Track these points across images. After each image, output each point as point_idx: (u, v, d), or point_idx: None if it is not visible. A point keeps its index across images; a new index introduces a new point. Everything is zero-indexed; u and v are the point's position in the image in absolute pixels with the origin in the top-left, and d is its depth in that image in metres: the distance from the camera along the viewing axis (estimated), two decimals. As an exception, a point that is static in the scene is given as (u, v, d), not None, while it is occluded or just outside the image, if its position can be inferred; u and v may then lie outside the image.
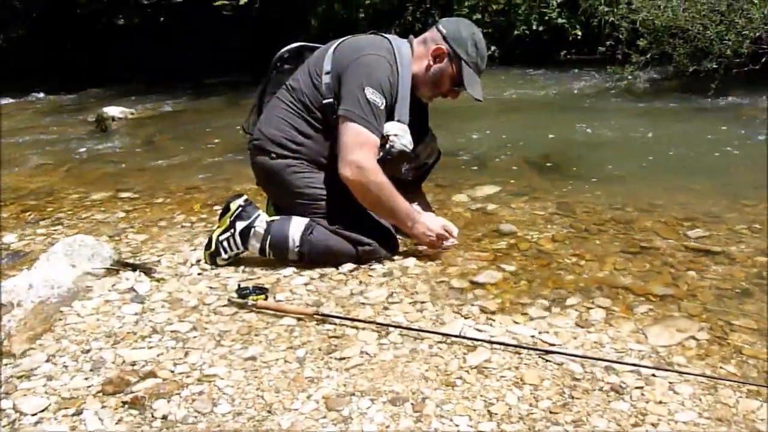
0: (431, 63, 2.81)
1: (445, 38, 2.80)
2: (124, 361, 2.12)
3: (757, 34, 6.61)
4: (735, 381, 1.90)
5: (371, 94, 2.65)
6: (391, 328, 2.23)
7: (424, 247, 2.87)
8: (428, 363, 2.03)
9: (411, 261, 2.80)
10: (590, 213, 3.35)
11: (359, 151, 2.65)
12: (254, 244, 2.79)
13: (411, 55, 2.81)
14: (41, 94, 11.10)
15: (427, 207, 3.12)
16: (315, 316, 2.32)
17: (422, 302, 2.44)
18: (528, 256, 2.85)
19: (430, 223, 2.83)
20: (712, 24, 6.86)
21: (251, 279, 2.71)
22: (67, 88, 11.20)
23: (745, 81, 6.75)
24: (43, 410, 1.89)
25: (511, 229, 3.15)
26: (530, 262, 2.79)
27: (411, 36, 2.92)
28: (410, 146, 2.72)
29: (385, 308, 2.41)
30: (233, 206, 2.83)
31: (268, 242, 2.77)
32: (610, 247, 2.90)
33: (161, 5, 11.20)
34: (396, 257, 2.84)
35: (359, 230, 2.77)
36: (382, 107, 2.67)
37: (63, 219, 3.79)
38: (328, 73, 2.75)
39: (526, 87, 8.17)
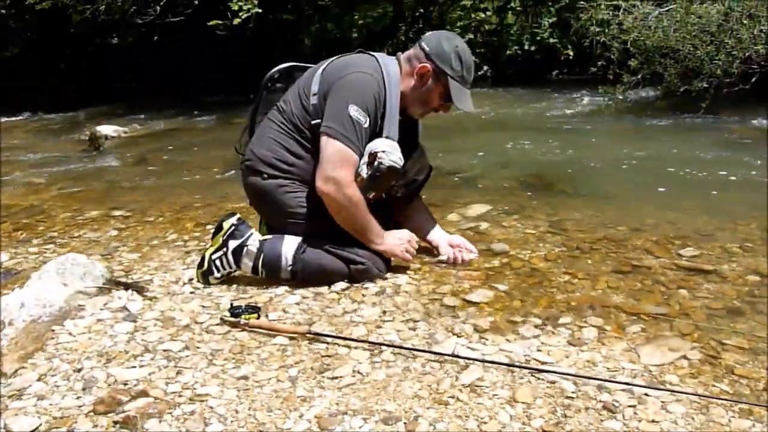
0: (417, 82, 2.82)
1: (428, 56, 2.79)
2: (115, 381, 2.11)
3: (747, 54, 6.68)
4: (727, 400, 1.90)
5: (355, 111, 2.66)
6: (383, 347, 2.23)
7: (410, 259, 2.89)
8: (421, 382, 2.03)
9: (403, 279, 2.81)
10: (582, 232, 3.37)
11: (338, 167, 2.66)
12: (247, 263, 2.79)
13: (399, 72, 2.82)
14: (34, 113, 11.11)
15: (430, 221, 3.14)
16: (307, 335, 2.31)
17: (415, 321, 2.44)
18: (520, 274, 2.86)
19: (398, 233, 2.87)
20: (703, 44, 6.94)
21: (244, 298, 2.70)
22: (60, 107, 11.22)
23: (735, 100, 6.82)
24: (34, 430, 1.88)
25: (504, 248, 3.16)
26: (523, 280, 2.79)
27: (399, 53, 2.92)
28: (400, 162, 2.72)
29: (378, 327, 2.41)
30: (226, 225, 2.83)
31: (260, 261, 2.77)
32: (602, 265, 2.91)
33: (155, 24, 11.24)
34: (388, 275, 2.84)
35: (352, 249, 2.77)
36: (366, 125, 2.68)
37: (55, 237, 3.78)
38: (315, 94, 2.76)
39: (518, 106, 8.22)
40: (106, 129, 7.74)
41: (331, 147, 2.67)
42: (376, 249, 2.81)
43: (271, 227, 2.94)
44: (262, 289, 2.77)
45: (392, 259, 2.89)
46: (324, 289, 2.74)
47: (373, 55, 2.84)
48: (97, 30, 12.38)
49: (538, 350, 2.20)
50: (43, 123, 10.20)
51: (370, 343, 2.26)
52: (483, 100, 8.47)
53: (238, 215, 2.88)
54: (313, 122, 2.75)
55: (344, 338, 2.30)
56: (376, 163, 2.69)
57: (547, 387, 1.98)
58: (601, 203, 3.91)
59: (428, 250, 3.10)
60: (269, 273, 2.79)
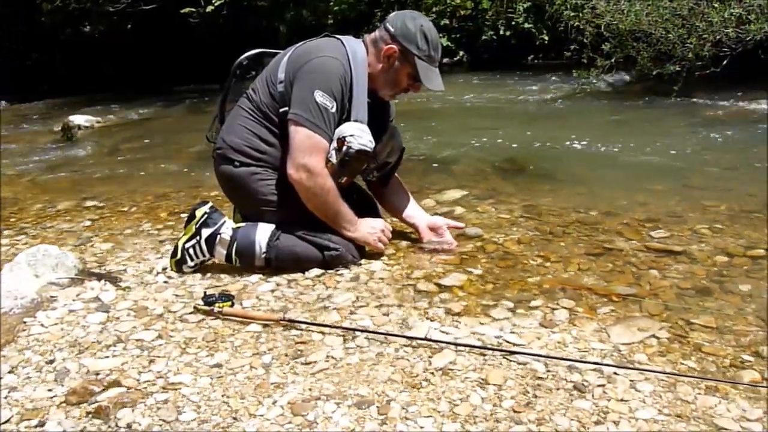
0: (385, 64, 2.81)
1: (393, 37, 2.78)
2: (88, 371, 2.11)
3: (718, 37, 6.74)
4: (694, 377, 1.93)
5: (321, 97, 2.66)
6: (357, 333, 2.24)
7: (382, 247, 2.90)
8: (394, 366, 2.04)
9: (378, 265, 2.82)
10: (555, 215, 3.40)
11: (308, 155, 2.66)
12: (220, 251, 2.79)
13: (366, 54, 2.81)
14: (4, 103, 10.96)
15: (408, 200, 3.15)
16: (281, 322, 2.32)
17: (388, 306, 2.46)
18: (494, 258, 2.88)
19: (371, 221, 2.88)
20: (674, 27, 6.98)
21: (217, 286, 2.71)
22: (31, 97, 11.08)
23: (707, 83, 6.88)
24: (5, 422, 1.87)
25: (478, 232, 3.18)
26: (496, 264, 2.82)
27: (364, 35, 2.90)
28: (370, 145, 2.72)
29: (352, 313, 2.42)
30: (199, 213, 2.82)
31: (234, 249, 2.77)
32: (575, 248, 2.94)
33: (128, 13, 11.12)
34: (362, 261, 2.85)
35: (325, 235, 2.78)
36: (333, 110, 2.68)
37: (27, 228, 3.75)
38: (281, 81, 2.74)
39: (493, 91, 8.24)
40: (79, 119, 7.66)
41: (299, 134, 2.67)
42: (348, 237, 2.82)
43: (245, 215, 2.94)
44: (235, 277, 2.77)
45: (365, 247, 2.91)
46: (298, 275, 2.74)
47: (338, 39, 2.83)
48: (68, 19, 12.23)
49: (511, 332, 2.22)
50: (14, 113, 10.07)
51: (343, 328, 2.27)
52: (458, 85, 8.48)
53: (210, 203, 2.87)
54: (281, 110, 2.74)
55: (318, 324, 2.30)
56: (345, 147, 2.68)
57: (519, 369, 2.00)
58: (574, 187, 3.95)
59: (404, 235, 3.12)
60: (243, 261, 2.79)
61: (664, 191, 3.77)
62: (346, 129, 2.70)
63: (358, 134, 2.69)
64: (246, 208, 2.94)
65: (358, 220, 2.84)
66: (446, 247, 3.01)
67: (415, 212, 3.13)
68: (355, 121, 2.73)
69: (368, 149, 2.71)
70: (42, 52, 13.66)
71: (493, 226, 3.27)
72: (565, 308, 2.38)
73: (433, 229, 3.06)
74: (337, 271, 2.77)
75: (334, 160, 2.70)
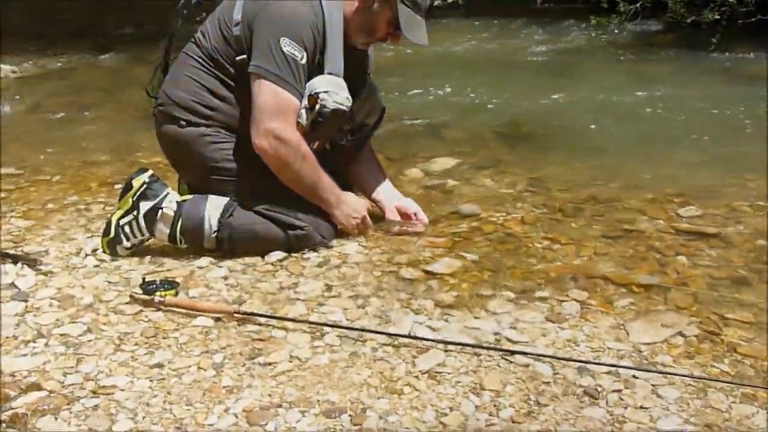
0: (361, 4, 2.80)
1: None
2: (1, 372, 2.10)
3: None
4: (728, 382, 1.96)
5: (288, 46, 2.64)
6: (327, 328, 2.25)
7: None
8: (371, 368, 2.06)
9: (352, 247, 2.83)
10: (566, 190, 3.43)
11: (275, 116, 2.66)
12: (162, 229, 2.78)
13: None
14: None
15: (379, 175, 3.16)
16: (236, 314, 2.32)
17: (365, 297, 2.47)
18: (492, 240, 2.90)
19: (356, 203, 2.89)
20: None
21: (159, 271, 2.70)
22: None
23: (751, 33, 6.88)
24: None
25: (473, 209, 3.20)
26: (495, 247, 2.84)
27: None
28: (347, 103, 2.72)
29: (321, 305, 2.43)
30: (136, 183, 2.80)
31: (179, 227, 2.76)
32: (588, 229, 2.97)
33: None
34: (334, 243, 2.86)
35: (290, 211, 2.78)
36: (303, 61, 2.67)
37: (-74, 202, 3.71)
38: (237, 24, 2.73)
39: (495, 41, 8.22)
40: (-10, 68, 7.56)
41: (264, 92, 2.66)
42: (331, 212, 2.83)
43: (192, 186, 2.93)
44: (181, 261, 2.77)
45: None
46: (256, 260, 2.75)
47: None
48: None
49: (511, 328, 2.25)
50: None
51: (310, 323, 2.28)
52: (452, 32, 8.45)
53: (151, 172, 2.85)
54: (238, 58, 2.73)
55: (280, 318, 2.31)
56: (318, 106, 2.68)
57: (520, 371, 2.02)
58: (588, 157, 3.97)
59: (378, 215, 3.12)
60: (190, 241, 2.79)
61: (697, 162, 3.80)
62: (318, 84, 2.69)
63: (334, 90, 2.69)
64: (193, 178, 2.94)
65: (341, 193, 2.85)
66: (411, 230, 3.01)
67: (384, 189, 3.13)
68: (329, 74, 2.72)
69: (345, 108, 2.71)
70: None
71: (491, 203, 3.29)
72: (576, 300, 2.41)
73: (402, 215, 3.07)
74: (304, 254, 2.78)
75: (304, 120, 2.70)
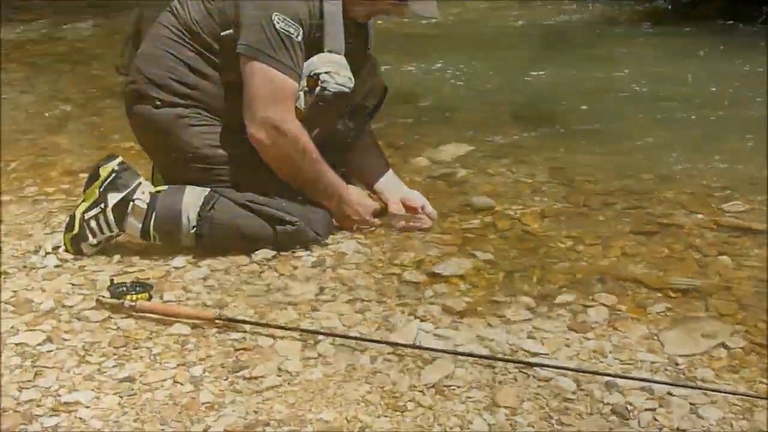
0: None
1: None
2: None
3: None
4: (777, 400, 1.96)
5: (281, 22, 2.65)
6: (320, 337, 2.25)
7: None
8: (370, 382, 2.06)
9: (350, 245, 2.83)
10: (593, 181, 3.43)
11: (273, 104, 2.67)
12: (133, 224, 2.78)
13: None
14: None
15: (381, 164, 3.17)
16: (217, 321, 2.32)
17: (364, 301, 2.47)
18: (509, 238, 2.91)
19: (364, 200, 2.93)
20: None
21: (129, 272, 2.70)
22: None
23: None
24: None
25: (487, 202, 3.21)
26: (512, 246, 2.85)
27: None
28: (350, 84, 2.73)
29: (314, 309, 2.43)
30: (104, 172, 2.80)
31: (152, 222, 2.76)
32: (618, 225, 2.98)
33: None
34: (329, 240, 2.86)
35: (279, 203, 2.79)
36: (299, 39, 2.68)
37: None
38: None
39: (512, 8, 8.20)
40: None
41: (258, 76, 2.67)
42: (336, 210, 2.86)
43: (168, 175, 2.94)
44: (154, 260, 2.77)
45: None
46: (241, 258, 2.76)
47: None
48: None
49: (529, 338, 2.25)
50: None
51: (302, 331, 2.28)
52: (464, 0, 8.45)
53: (120, 159, 2.85)
54: (222, 33, 2.74)
55: (267, 325, 2.31)
56: (318, 89, 2.69)
57: (539, 386, 2.02)
58: (619, 142, 3.97)
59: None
60: (165, 237, 2.79)
61: (743, 149, 3.79)
62: (318, 64, 2.71)
63: (335, 70, 2.70)
64: (169, 165, 2.94)
65: (347, 189, 2.87)
66: (417, 225, 3.01)
67: (388, 180, 3.14)
68: (330, 52, 2.73)
69: (348, 89, 2.73)
70: None
71: (508, 195, 3.29)
72: (605, 305, 2.41)
73: (407, 209, 3.07)
74: (295, 252, 2.79)
75: (302, 105, 2.70)
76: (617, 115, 4.49)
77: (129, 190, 2.78)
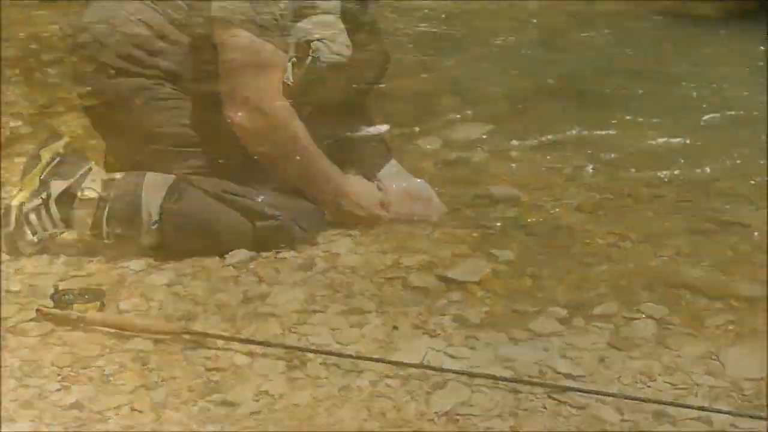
0: None
1: None
2: None
3: None
4: None
5: None
6: (309, 354, 2.25)
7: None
8: (369, 408, 2.05)
9: (344, 244, 2.83)
10: (639, 169, 3.41)
11: (255, 79, 2.68)
12: (82, 219, 2.78)
13: None
14: None
15: (382, 149, 3.18)
16: (184, 335, 2.32)
17: (361, 312, 2.47)
18: (536, 235, 2.91)
19: (366, 190, 2.94)
20: None
21: (78, 276, 2.70)
22: None
23: None
24: None
25: (511, 192, 3.20)
26: (539, 244, 2.84)
27: None
28: (347, 52, 2.74)
29: (301, 323, 2.42)
30: (46, 155, 2.80)
31: (105, 215, 2.76)
32: (670, 221, 2.97)
33: None
34: (319, 239, 2.86)
35: (258, 194, 2.79)
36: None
37: None
38: None
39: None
40: None
41: (236, 45, 2.68)
42: (339, 204, 2.87)
43: (124, 158, 2.93)
44: (108, 262, 2.77)
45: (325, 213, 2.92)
46: (213, 260, 2.75)
47: None
48: None
49: (561, 357, 2.24)
50: None
51: (286, 348, 2.28)
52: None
53: (67, 139, 2.85)
54: (192, -7, 2.74)
55: (245, 341, 2.31)
56: (310, 58, 2.68)
57: (574, 414, 2.01)
58: (670, 122, 3.95)
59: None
60: (120, 234, 2.79)
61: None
62: (309, 28, 2.70)
63: (330, 36, 2.70)
64: (126, 147, 2.94)
65: (345, 179, 2.89)
66: (425, 220, 3.02)
67: (388, 167, 3.14)
68: (323, 13, 2.72)
69: (344, 59, 2.73)
70: None
71: (535, 184, 3.29)
72: (653, 318, 2.40)
73: (412, 198, 3.07)
74: (278, 253, 2.78)
75: (290, 79, 2.70)
76: (669, 92, 4.47)
77: (77, 177, 2.77)
